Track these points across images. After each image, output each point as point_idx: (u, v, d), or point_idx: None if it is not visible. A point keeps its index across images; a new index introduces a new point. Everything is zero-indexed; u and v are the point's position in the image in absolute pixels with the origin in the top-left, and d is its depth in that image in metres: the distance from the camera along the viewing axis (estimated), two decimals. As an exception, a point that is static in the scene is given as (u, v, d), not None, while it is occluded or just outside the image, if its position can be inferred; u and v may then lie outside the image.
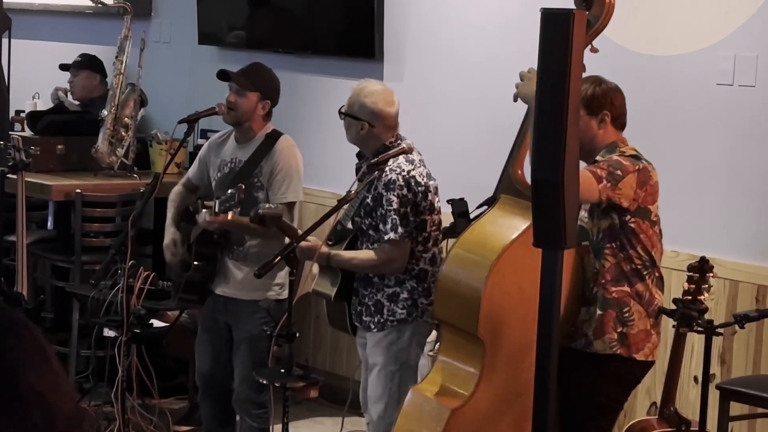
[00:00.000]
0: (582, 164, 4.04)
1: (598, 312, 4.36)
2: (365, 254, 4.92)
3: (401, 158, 4.88)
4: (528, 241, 4.18)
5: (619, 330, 4.35)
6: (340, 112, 5.03)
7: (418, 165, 4.91)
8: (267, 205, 4.84)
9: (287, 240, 4.84)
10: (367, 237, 4.94)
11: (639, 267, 4.36)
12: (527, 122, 4.44)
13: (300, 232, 4.94)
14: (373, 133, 4.96)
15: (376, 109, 4.94)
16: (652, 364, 4.49)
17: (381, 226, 4.85)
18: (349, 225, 5.02)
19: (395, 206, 4.82)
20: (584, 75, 3.89)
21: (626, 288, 4.36)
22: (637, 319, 4.36)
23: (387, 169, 4.84)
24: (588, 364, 4.38)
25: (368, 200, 4.90)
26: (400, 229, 4.82)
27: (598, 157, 4.38)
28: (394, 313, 4.91)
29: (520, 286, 4.31)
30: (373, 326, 4.96)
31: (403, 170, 4.86)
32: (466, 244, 4.45)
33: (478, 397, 4.35)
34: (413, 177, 4.86)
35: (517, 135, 4.49)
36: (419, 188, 4.86)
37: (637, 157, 4.36)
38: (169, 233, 5.47)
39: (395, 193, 4.82)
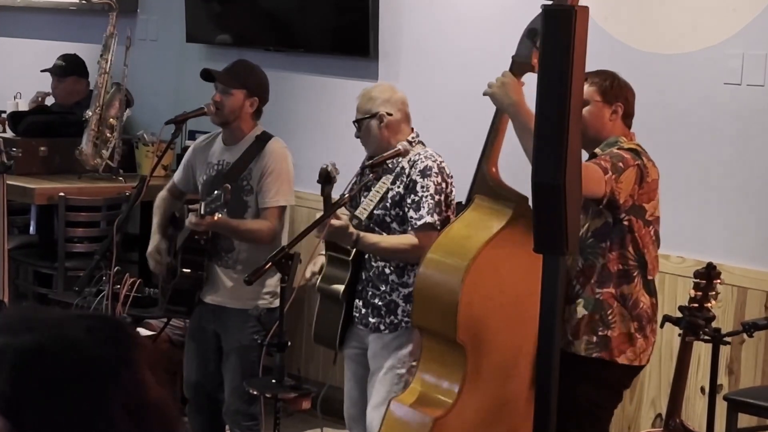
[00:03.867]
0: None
1: (583, 312, 4.37)
2: (394, 238, 4.93)
3: (430, 149, 5.00)
4: (505, 242, 4.19)
5: (601, 333, 4.36)
6: (355, 122, 5.05)
7: (444, 161, 5.02)
8: (335, 165, 4.82)
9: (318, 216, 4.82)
10: (389, 230, 4.96)
11: (629, 268, 4.38)
12: (498, 119, 4.57)
13: (294, 235, 4.93)
14: (393, 124, 5.00)
15: (386, 96, 5.03)
16: (638, 369, 4.50)
17: (413, 212, 4.88)
18: (361, 222, 5.00)
19: (432, 191, 4.88)
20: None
21: (611, 289, 4.38)
22: (619, 322, 4.38)
23: (422, 156, 4.93)
24: (569, 365, 4.38)
25: (398, 190, 4.92)
26: (436, 215, 4.87)
27: (597, 150, 4.40)
28: (409, 314, 4.92)
29: (501, 288, 4.32)
30: (383, 327, 4.96)
31: (437, 159, 4.96)
32: (441, 248, 4.46)
33: (462, 406, 4.35)
34: (444, 168, 4.96)
35: (488, 132, 4.53)
36: (449, 179, 4.96)
37: (637, 153, 4.38)
38: (154, 240, 5.46)
39: (432, 180, 4.89)
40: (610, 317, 4.36)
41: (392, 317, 4.96)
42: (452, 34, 6.28)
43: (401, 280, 4.95)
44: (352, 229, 4.87)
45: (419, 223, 4.86)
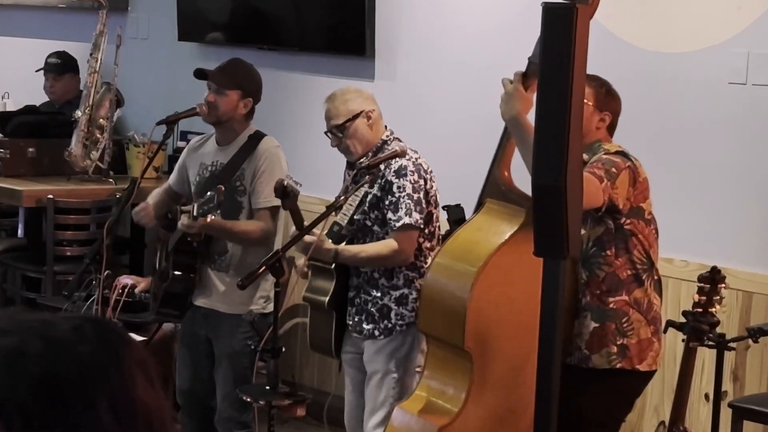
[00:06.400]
0: None
1: (594, 325, 4.36)
2: (373, 246, 4.95)
3: (407, 147, 4.98)
4: (516, 248, 4.18)
5: (619, 342, 4.37)
6: (335, 129, 5.02)
7: (421, 156, 5.02)
8: (293, 179, 4.83)
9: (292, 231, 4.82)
10: (371, 234, 4.97)
11: (638, 271, 4.38)
12: None
13: (287, 237, 4.93)
14: (376, 120, 5.04)
15: (361, 95, 5.06)
16: (654, 373, 4.52)
17: (391, 214, 4.89)
18: (342, 228, 5.01)
19: (409, 191, 4.88)
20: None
21: (624, 297, 4.38)
22: (637, 328, 4.39)
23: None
24: (586, 380, 4.38)
25: (375, 192, 4.93)
26: (415, 214, 4.88)
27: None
28: (402, 316, 4.94)
29: (510, 296, 4.31)
30: (378, 333, 4.97)
31: (412, 157, 4.96)
32: (450, 253, 4.45)
33: (467, 415, 4.35)
34: (421, 164, 4.96)
35: (501, 135, 4.52)
36: (427, 176, 4.96)
37: (625, 155, 4.39)
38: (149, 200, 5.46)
39: (408, 179, 4.90)
40: (626, 326, 4.37)
41: (386, 322, 4.97)
42: (450, 32, 6.29)
43: (391, 283, 4.97)
44: (329, 245, 4.87)
45: (398, 224, 4.87)
